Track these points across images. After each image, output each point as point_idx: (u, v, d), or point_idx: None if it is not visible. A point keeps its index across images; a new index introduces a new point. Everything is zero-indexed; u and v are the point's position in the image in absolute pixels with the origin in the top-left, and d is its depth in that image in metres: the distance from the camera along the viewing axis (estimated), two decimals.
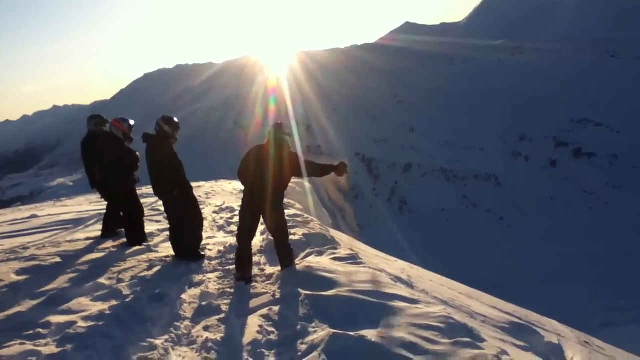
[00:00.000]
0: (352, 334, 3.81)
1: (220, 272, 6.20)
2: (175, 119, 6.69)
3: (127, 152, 7.29)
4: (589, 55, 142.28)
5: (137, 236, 7.41)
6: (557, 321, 8.05)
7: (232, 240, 7.62)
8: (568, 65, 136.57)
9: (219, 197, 13.12)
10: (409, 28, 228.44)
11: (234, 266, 6.07)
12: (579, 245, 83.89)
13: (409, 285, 6.50)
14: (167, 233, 7.22)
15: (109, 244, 7.25)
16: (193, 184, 7.14)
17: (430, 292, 6.57)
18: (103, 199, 8.23)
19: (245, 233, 5.92)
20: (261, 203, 5.71)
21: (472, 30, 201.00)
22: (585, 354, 6.35)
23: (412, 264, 9.85)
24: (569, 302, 61.10)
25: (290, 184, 6.83)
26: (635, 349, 9.52)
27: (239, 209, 6.51)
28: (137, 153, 7.36)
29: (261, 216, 5.88)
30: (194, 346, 4.18)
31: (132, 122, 7.49)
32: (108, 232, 7.80)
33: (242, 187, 6.13)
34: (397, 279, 6.24)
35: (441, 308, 4.58)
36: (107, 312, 4.60)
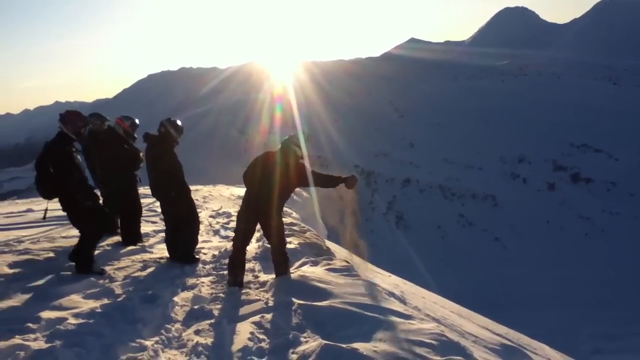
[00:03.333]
0: (344, 346, 3.78)
1: (214, 277, 6.17)
2: (179, 122, 6.72)
3: (127, 149, 7.30)
4: (590, 81, 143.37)
5: (133, 236, 7.39)
6: (548, 346, 8.04)
7: (227, 245, 7.60)
8: (570, 90, 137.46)
9: (216, 201, 13.08)
10: (414, 43, 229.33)
11: (227, 271, 6.05)
12: (573, 270, 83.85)
13: (402, 301, 6.47)
14: (163, 234, 7.19)
15: (103, 242, 7.22)
16: (191, 187, 7.13)
17: (423, 309, 6.55)
18: (102, 197, 8.22)
19: (242, 237, 5.91)
20: (264, 208, 5.72)
21: (476, 49, 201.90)
22: None
23: (406, 279, 9.83)
24: (561, 327, 60.98)
25: None
26: None
27: (235, 214, 6.50)
28: (141, 153, 7.36)
29: (259, 222, 5.88)
30: (184, 349, 4.14)
31: (137, 121, 7.53)
32: (110, 230, 7.78)
33: (241, 193, 6.13)
34: (391, 294, 6.21)
35: (434, 325, 4.56)
36: (98, 310, 4.56)
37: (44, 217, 6.35)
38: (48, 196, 5.74)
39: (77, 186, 5.55)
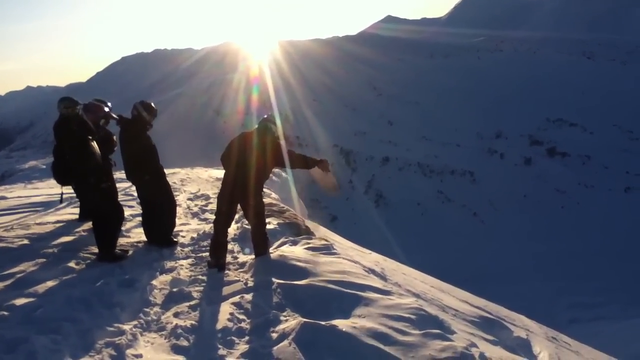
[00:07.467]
0: (323, 323, 3.80)
1: (193, 259, 6.14)
2: (153, 105, 6.60)
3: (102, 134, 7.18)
4: (565, 56, 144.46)
5: None
6: (526, 317, 8.18)
7: (206, 227, 7.56)
8: (545, 65, 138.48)
9: (194, 184, 12.98)
10: (391, 21, 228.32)
11: (207, 253, 6.03)
12: (551, 242, 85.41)
13: (382, 277, 6.51)
14: (140, 218, 7.12)
15: (79, 227, 7.12)
16: (168, 171, 7.06)
17: (403, 285, 6.60)
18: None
19: (222, 219, 5.88)
20: (242, 190, 5.69)
21: (452, 26, 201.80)
22: (552, 349, 6.46)
23: (386, 256, 9.89)
24: (539, 299, 62.25)
25: None
26: (600, 344, 9.75)
27: (214, 196, 6.46)
28: (114, 136, 7.25)
29: (239, 203, 5.86)
30: (163, 332, 4.13)
31: (110, 104, 7.40)
32: (86, 216, 7.67)
33: (219, 175, 6.10)
34: (371, 271, 6.24)
35: (413, 300, 4.60)
36: (75, 296, 4.50)
37: (61, 201, 6.58)
38: (63, 182, 6.07)
39: (92, 172, 5.66)
